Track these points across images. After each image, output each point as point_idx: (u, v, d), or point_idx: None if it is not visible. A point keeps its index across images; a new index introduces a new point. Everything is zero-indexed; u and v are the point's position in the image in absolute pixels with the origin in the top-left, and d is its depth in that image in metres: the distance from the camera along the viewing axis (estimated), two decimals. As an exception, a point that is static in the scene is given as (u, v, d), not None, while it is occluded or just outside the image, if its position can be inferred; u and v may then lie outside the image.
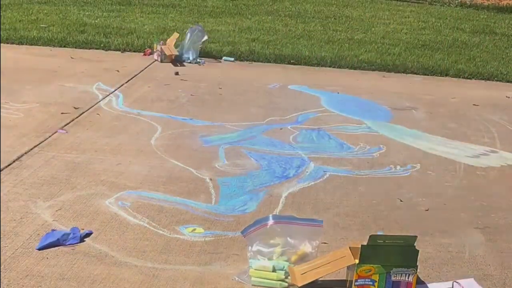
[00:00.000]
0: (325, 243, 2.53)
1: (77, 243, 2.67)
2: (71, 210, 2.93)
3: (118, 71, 5.41)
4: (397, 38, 7.15)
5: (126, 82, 5.06)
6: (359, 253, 2.29)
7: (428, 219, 3.02)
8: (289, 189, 3.31)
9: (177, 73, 5.42)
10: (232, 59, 6.01)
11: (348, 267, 2.38)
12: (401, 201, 3.18)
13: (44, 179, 3.23)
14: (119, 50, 6.14)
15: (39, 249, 2.61)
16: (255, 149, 3.83)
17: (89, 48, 6.12)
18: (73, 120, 4.13)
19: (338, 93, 5.10)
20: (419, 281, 2.41)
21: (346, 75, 5.72)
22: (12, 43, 6.14)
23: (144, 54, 6.01)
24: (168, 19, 7.73)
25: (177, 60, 5.81)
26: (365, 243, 2.30)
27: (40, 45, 6.11)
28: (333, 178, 3.49)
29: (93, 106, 4.45)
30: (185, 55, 5.85)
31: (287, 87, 5.23)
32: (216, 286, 2.42)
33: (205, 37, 5.92)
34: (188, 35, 5.91)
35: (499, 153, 3.99)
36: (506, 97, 5.37)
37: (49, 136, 3.82)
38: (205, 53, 6.06)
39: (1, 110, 4.16)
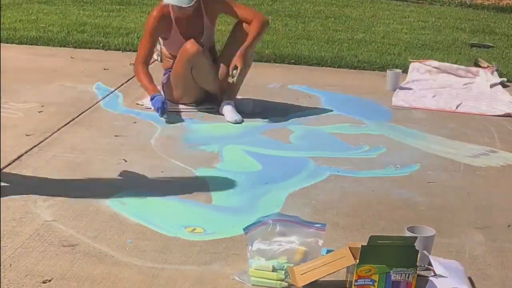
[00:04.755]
0: (323, 247, 2.52)
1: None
2: (71, 210, 2.93)
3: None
4: (397, 38, 7.15)
5: (126, 82, 5.06)
6: (359, 253, 2.30)
7: (428, 219, 3.02)
8: (289, 189, 3.31)
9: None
10: None
11: (348, 267, 2.38)
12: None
13: (44, 179, 3.23)
14: (119, 50, 6.13)
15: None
16: (255, 149, 3.83)
17: (89, 48, 6.11)
18: (73, 119, 4.13)
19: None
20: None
21: (346, 75, 5.72)
22: (12, 43, 6.13)
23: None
24: (168, 19, 7.70)
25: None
26: (365, 243, 2.30)
27: (40, 45, 6.10)
28: (333, 178, 3.49)
29: (92, 106, 4.45)
30: None
31: (287, 87, 5.23)
32: (216, 286, 2.42)
33: None
34: None
35: (499, 153, 3.99)
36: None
37: (49, 136, 3.82)
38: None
39: (1, 110, 4.16)
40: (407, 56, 6.27)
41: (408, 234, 2.55)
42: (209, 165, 3.57)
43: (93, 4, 8.13)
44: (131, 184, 3.26)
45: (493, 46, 7.02)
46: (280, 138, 4.05)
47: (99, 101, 4.56)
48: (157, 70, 5.54)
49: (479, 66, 5.84)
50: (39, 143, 3.70)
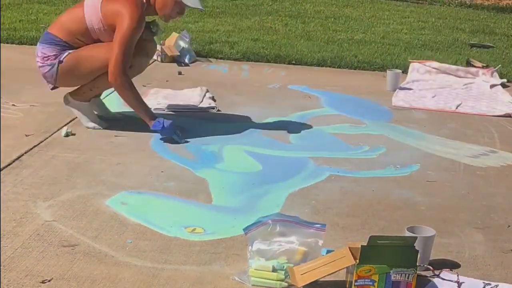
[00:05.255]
0: (323, 247, 2.52)
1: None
2: (71, 210, 2.93)
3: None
4: (397, 38, 7.16)
5: (126, 82, 5.05)
6: (359, 253, 2.30)
7: (428, 219, 3.02)
8: (289, 189, 3.31)
9: (180, 73, 5.42)
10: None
11: (348, 268, 2.38)
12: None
13: (44, 179, 3.24)
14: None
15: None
16: (255, 149, 3.83)
17: (89, 48, 6.09)
18: (73, 120, 4.13)
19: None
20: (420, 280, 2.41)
21: (346, 75, 5.72)
22: (12, 43, 6.13)
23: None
24: (168, 19, 7.70)
25: (178, 61, 5.79)
26: (365, 243, 2.30)
27: (40, 45, 6.10)
28: (333, 178, 3.49)
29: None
30: (181, 59, 5.82)
31: (287, 87, 5.23)
32: (216, 286, 2.42)
33: (188, 37, 5.93)
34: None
35: (499, 153, 3.99)
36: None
37: (49, 136, 3.82)
38: (205, 54, 6.06)
39: (1, 110, 4.17)
40: (407, 56, 6.28)
41: (408, 234, 2.56)
42: (209, 165, 3.57)
43: (93, 4, 8.13)
44: (131, 184, 3.26)
45: (493, 46, 7.03)
46: (280, 138, 4.05)
47: (99, 101, 4.55)
48: (157, 70, 5.55)
49: (472, 66, 5.85)
50: (39, 143, 3.70)
